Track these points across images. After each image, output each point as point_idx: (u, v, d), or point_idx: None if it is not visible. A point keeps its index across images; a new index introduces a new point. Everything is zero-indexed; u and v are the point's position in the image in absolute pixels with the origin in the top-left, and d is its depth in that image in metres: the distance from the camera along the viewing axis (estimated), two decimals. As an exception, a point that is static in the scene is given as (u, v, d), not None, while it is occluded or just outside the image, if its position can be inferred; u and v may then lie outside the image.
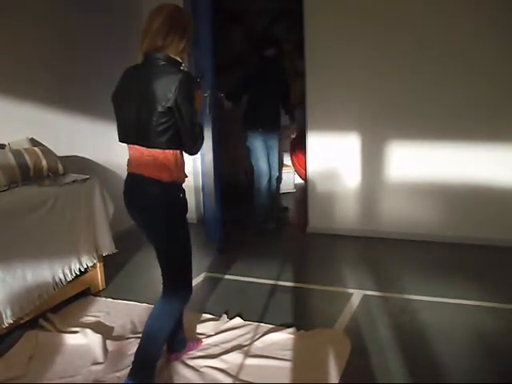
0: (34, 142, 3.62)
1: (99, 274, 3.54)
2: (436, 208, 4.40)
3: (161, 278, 2.40)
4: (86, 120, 4.33)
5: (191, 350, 2.73)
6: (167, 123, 2.15)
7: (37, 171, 3.33)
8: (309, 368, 2.58)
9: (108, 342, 2.85)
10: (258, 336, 2.86)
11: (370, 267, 3.88)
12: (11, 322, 2.78)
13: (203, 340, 2.85)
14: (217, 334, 2.92)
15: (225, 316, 3.11)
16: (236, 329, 2.96)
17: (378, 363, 2.59)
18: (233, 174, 6.41)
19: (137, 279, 3.80)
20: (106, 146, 4.42)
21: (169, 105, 2.11)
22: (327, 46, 4.46)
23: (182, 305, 2.46)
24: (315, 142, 4.69)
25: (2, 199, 2.94)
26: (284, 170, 6.38)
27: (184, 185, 2.34)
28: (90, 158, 4.36)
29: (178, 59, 2.24)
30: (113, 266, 3.78)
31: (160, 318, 2.37)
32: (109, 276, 3.67)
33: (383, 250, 4.28)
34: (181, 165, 2.28)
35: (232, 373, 2.54)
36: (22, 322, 2.93)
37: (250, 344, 2.78)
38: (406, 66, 4.27)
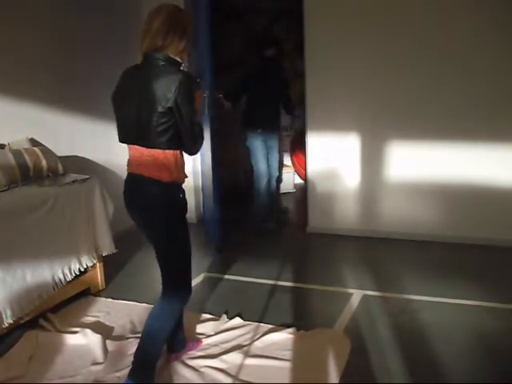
0: (33, 142, 3.62)
1: (99, 274, 3.54)
2: (436, 208, 4.40)
3: (160, 278, 2.41)
4: (85, 120, 4.33)
5: (191, 349, 2.73)
6: (167, 123, 2.15)
7: (37, 171, 3.33)
8: (309, 368, 2.57)
9: (108, 342, 2.85)
10: (257, 336, 2.86)
11: (370, 267, 3.88)
12: (11, 321, 2.78)
13: (203, 340, 2.85)
14: (217, 334, 2.92)
15: (224, 316, 3.11)
16: (236, 329, 2.96)
17: (378, 363, 2.59)
18: (233, 174, 6.42)
19: (137, 279, 3.80)
20: (105, 146, 4.42)
21: (169, 105, 2.11)
22: (327, 45, 4.46)
23: (182, 305, 2.46)
24: (315, 142, 4.69)
25: (2, 199, 2.94)
26: (284, 170, 6.39)
27: (184, 185, 2.34)
28: (90, 158, 4.36)
29: (178, 59, 2.24)
30: (113, 265, 3.78)
31: (160, 318, 2.38)
32: (109, 276, 3.67)
33: (383, 250, 4.28)
34: (181, 165, 2.29)
35: (232, 373, 2.54)
36: (22, 322, 2.93)
37: (250, 344, 2.78)
38: (405, 66, 4.27)
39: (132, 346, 2.73)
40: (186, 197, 2.35)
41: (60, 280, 3.13)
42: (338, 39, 4.43)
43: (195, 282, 3.62)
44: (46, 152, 3.48)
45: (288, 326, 2.95)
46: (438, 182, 4.35)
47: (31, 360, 2.69)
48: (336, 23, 4.41)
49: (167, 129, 2.16)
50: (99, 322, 3.12)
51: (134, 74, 2.27)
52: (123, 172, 2.36)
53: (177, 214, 2.31)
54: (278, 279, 3.71)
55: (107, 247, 3.47)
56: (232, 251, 4.32)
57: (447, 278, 3.62)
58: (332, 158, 4.66)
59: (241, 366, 2.59)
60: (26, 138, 3.60)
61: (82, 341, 2.86)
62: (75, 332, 2.94)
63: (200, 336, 2.91)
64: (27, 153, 3.34)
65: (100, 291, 3.54)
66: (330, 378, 2.47)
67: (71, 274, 3.22)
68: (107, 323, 3.10)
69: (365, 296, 3.38)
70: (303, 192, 5.42)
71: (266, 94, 4.75)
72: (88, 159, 4.33)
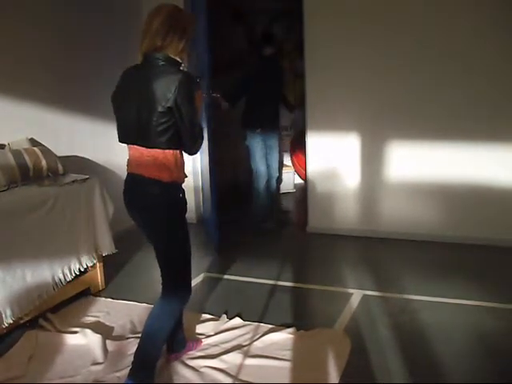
0: (33, 142, 3.62)
1: (99, 274, 3.54)
2: (436, 208, 4.39)
3: (160, 278, 2.41)
4: (85, 120, 4.33)
5: (191, 350, 2.73)
6: (167, 123, 2.15)
7: (36, 171, 3.33)
8: (309, 368, 2.57)
9: (108, 342, 2.85)
10: (257, 336, 2.86)
11: (370, 267, 3.88)
12: (11, 321, 2.78)
13: (203, 340, 2.85)
14: (216, 334, 2.92)
15: (224, 316, 3.11)
16: (236, 329, 2.96)
17: (378, 363, 2.59)
18: (233, 174, 6.42)
19: (136, 279, 3.80)
20: (105, 146, 4.42)
21: (168, 105, 2.11)
22: (327, 45, 4.46)
23: (182, 305, 2.46)
24: (315, 142, 4.69)
25: (2, 199, 2.94)
26: (284, 170, 6.39)
27: (184, 185, 2.34)
28: (90, 158, 4.36)
29: (178, 59, 2.25)
30: (113, 266, 3.78)
31: (160, 318, 2.38)
32: (109, 276, 3.67)
33: (383, 250, 4.28)
34: (180, 165, 2.29)
35: (232, 373, 2.54)
36: (22, 322, 2.93)
37: (250, 344, 2.78)
38: (405, 65, 4.27)
39: (132, 346, 2.73)
40: (186, 197, 2.35)
41: (60, 280, 3.13)
42: (338, 39, 4.43)
43: (195, 282, 3.62)
44: (46, 152, 3.48)
45: (288, 326, 2.95)
46: (438, 182, 4.35)
47: (31, 360, 2.69)
48: (336, 23, 4.41)
49: (167, 129, 2.16)
50: (99, 321, 3.12)
51: (133, 74, 2.27)
52: (123, 172, 2.36)
53: (177, 213, 2.31)
54: (277, 279, 3.71)
55: (107, 247, 3.47)
56: (232, 251, 4.32)
57: (447, 278, 3.62)
58: (332, 158, 4.66)
59: (241, 366, 2.59)
60: (26, 138, 3.60)
61: (81, 341, 2.86)
62: (75, 332, 2.94)
63: (200, 336, 2.91)
64: (27, 153, 3.34)
65: (100, 291, 3.54)
66: (330, 378, 2.47)
67: (71, 274, 3.22)
68: (107, 323, 3.10)
69: (365, 296, 3.38)
70: (303, 192, 5.42)
71: (265, 94, 4.75)
72: (88, 159, 4.33)
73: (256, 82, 4.73)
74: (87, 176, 3.44)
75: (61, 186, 3.24)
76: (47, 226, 3.05)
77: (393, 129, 4.42)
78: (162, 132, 2.16)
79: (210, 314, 3.17)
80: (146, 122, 2.16)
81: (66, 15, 4.11)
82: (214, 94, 4.36)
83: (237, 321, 3.04)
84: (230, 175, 6.27)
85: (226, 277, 3.81)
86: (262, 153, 4.82)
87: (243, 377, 2.51)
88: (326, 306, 3.29)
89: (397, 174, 4.46)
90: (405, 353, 2.67)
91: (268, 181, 4.92)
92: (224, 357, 2.67)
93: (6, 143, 3.47)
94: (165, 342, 2.48)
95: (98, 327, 3.01)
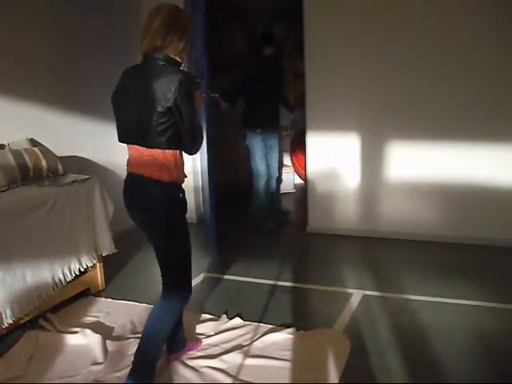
0: (33, 142, 3.62)
1: (99, 274, 3.54)
2: (436, 208, 4.40)
3: (160, 278, 2.41)
4: (85, 120, 4.33)
5: (191, 350, 2.73)
6: (167, 123, 2.15)
7: (36, 171, 3.33)
8: (308, 368, 2.57)
9: (108, 342, 2.85)
10: (257, 336, 2.86)
11: (370, 267, 3.88)
12: (11, 322, 2.78)
13: (203, 340, 2.85)
14: (216, 334, 2.92)
15: (224, 316, 3.11)
16: (236, 329, 2.96)
17: (378, 363, 2.59)
18: (233, 174, 6.42)
19: (137, 279, 3.80)
20: (105, 146, 4.42)
21: (168, 105, 2.11)
22: (327, 45, 4.46)
23: (182, 305, 2.46)
24: (315, 142, 4.69)
25: (2, 199, 2.94)
26: (284, 170, 6.39)
27: (184, 185, 2.34)
28: (90, 158, 4.36)
29: (178, 59, 2.25)
30: (113, 266, 3.78)
31: (160, 318, 2.38)
32: (109, 276, 3.67)
33: (383, 250, 4.28)
34: (180, 165, 2.29)
35: (232, 373, 2.54)
36: (22, 322, 2.93)
37: (250, 344, 2.78)
38: (405, 65, 4.27)
39: (132, 346, 2.73)
40: (186, 197, 2.35)
41: (60, 280, 3.13)
42: (338, 39, 4.43)
43: (195, 282, 3.62)
44: (46, 152, 3.48)
45: (288, 326, 2.95)
46: (438, 182, 4.35)
47: (31, 360, 2.69)
48: (336, 23, 4.41)
49: (167, 128, 2.16)
50: (99, 322, 3.12)
51: (133, 74, 2.27)
52: (123, 172, 2.37)
53: (177, 213, 2.31)
54: (277, 279, 3.71)
55: (107, 247, 3.47)
56: (232, 251, 4.32)
57: (447, 278, 3.62)
58: (332, 158, 4.66)
59: (241, 366, 2.59)
60: (26, 138, 3.60)
61: (81, 341, 2.86)
62: (75, 332, 2.94)
63: (200, 336, 2.91)
64: (27, 153, 3.34)
65: (100, 291, 3.54)
66: (329, 378, 2.47)
67: (71, 274, 3.22)
68: (107, 323, 3.10)
69: (365, 296, 3.38)
70: (303, 192, 5.42)
71: (265, 94, 4.75)
72: (88, 159, 4.33)
73: (256, 81, 4.73)
74: (87, 176, 3.44)
75: (61, 186, 3.24)
76: (47, 226, 3.05)
77: (393, 129, 4.42)
78: (161, 132, 2.16)
79: (209, 314, 3.17)
80: (145, 122, 2.16)
81: (66, 15, 4.11)
82: (213, 94, 4.36)
83: (237, 321, 3.04)
84: (230, 175, 6.27)
85: (225, 277, 3.82)
86: (261, 153, 4.82)
87: (243, 377, 2.51)
88: (326, 306, 3.29)
89: (397, 173, 4.46)
90: (405, 353, 2.67)
91: (268, 181, 4.92)
92: (224, 357, 2.67)
93: (6, 143, 3.47)
94: (165, 342, 2.48)
95: (97, 327, 3.01)
